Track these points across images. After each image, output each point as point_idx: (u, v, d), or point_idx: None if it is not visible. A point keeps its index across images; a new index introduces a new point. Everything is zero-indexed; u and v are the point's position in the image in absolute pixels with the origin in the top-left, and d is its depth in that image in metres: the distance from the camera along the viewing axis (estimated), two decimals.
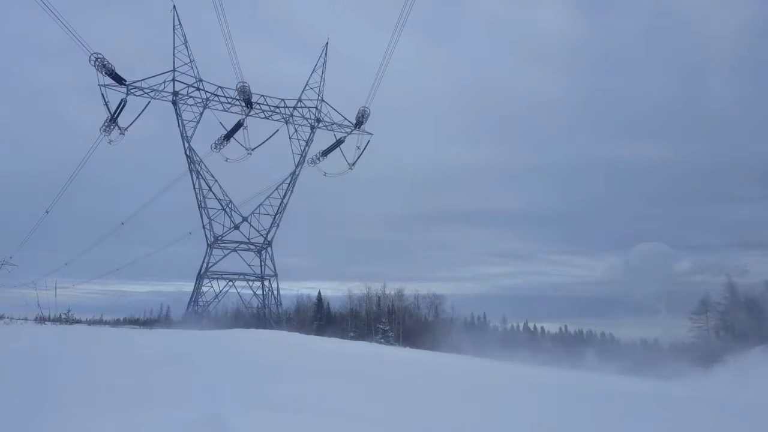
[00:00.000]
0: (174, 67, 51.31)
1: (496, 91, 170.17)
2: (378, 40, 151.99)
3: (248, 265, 53.99)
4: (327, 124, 55.48)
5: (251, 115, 53.22)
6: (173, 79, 51.31)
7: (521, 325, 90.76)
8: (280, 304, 55.81)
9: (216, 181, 53.09)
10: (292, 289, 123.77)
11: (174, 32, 51.11)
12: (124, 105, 48.30)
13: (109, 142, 49.54)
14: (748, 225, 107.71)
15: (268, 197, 54.57)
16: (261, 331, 33.56)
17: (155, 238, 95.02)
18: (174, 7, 50.54)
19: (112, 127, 48.84)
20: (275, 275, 54.58)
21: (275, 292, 54.63)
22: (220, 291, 53.45)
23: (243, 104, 52.18)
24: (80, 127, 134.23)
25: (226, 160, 53.68)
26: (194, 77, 51.91)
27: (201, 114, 52.50)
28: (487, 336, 66.89)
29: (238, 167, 54.38)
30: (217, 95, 52.23)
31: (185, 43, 51.37)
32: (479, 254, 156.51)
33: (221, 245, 53.44)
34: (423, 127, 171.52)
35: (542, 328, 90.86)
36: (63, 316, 41.00)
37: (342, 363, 16.41)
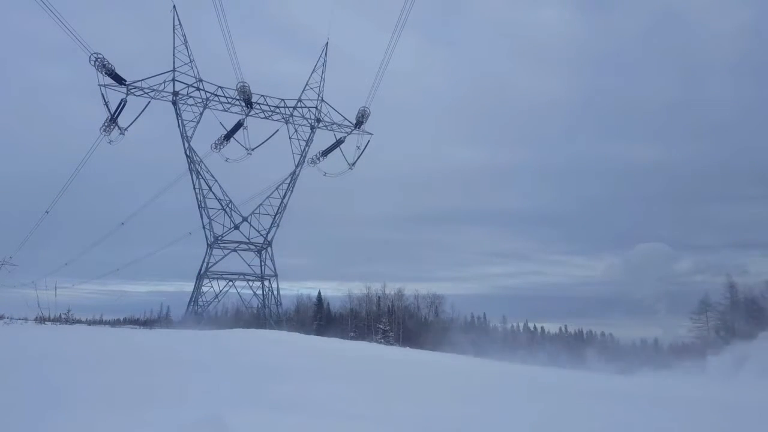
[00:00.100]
0: (174, 67, 51.37)
1: (496, 91, 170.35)
2: (378, 40, 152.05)
3: (248, 265, 54.12)
4: (327, 124, 55.53)
5: (251, 115, 53.27)
6: (173, 79, 51.35)
7: (521, 325, 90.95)
8: (280, 304, 55.90)
9: (216, 181, 53.19)
10: (292, 289, 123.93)
11: (174, 32, 51.18)
12: (124, 105, 48.36)
13: (109, 142, 49.64)
14: (748, 225, 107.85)
15: (268, 197, 54.67)
16: (261, 331, 33.58)
17: (155, 238, 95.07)
18: (174, 7, 50.62)
19: (112, 127, 48.88)
20: (275, 275, 54.65)
21: (275, 292, 54.73)
22: (220, 291, 53.58)
23: (243, 104, 52.19)
24: (80, 127, 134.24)
25: (226, 160, 53.78)
26: (194, 77, 51.97)
27: (201, 114, 52.60)
28: (487, 336, 66.92)
29: (238, 167, 54.48)
30: (217, 95, 52.26)
31: (185, 43, 51.44)
32: (479, 254, 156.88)
33: (221, 245, 53.47)
34: (423, 126, 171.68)
35: (542, 328, 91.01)
36: (63, 316, 41.09)
37: (342, 363, 16.41)
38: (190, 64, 51.77)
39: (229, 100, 52.26)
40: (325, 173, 55.89)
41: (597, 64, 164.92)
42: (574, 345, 70.34)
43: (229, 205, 53.67)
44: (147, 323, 74.90)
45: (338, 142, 55.01)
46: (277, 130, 54.21)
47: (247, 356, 16.01)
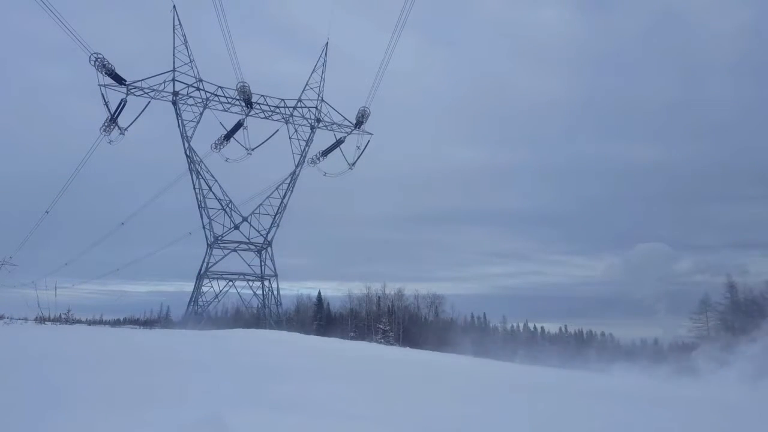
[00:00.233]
0: (174, 67, 51.38)
1: (496, 91, 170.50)
2: (378, 40, 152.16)
3: (248, 265, 54.13)
4: (327, 124, 55.54)
5: (251, 115, 53.28)
6: (173, 79, 51.36)
7: (521, 325, 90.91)
8: (280, 304, 55.91)
9: (216, 181, 53.20)
10: (292, 289, 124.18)
11: (174, 32, 51.20)
12: (124, 105, 48.38)
13: (109, 142, 49.67)
14: (748, 225, 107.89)
15: (268, 197, 54.68)
16: (261, 331, 33.60)
17: (155, 238, 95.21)
18: (174, 7, 50.64)
19: (112, 127, 48.90)
20: (275, 275, 54.66)
21: (275, 292, 54.74)
22: (220, 291, 53.58)
23: (243, 104, 52.20)
24: (80, 127, 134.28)
25: (226, 160, 53.80)
26: (194, 77, 51.99)
27: (201, 114, 52.61)
28: (487, 336, 66.94)
29: (238, 167, 54.52)
30: (217, 95, 52.27)
31: (185, 43, 51.46)
32: (479, 254, 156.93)
33: (221, 245, 53.47)
34: (423, 126, 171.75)
35: (542, 328, 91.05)
36: (63, 316, 41.08)
37: (342, 363, 16.41)
38: (190, 64, 51.84)
39: (229, 100, 52.30)
40: (325, 173, 56.00)
41: (597, 64, 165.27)
42: (574, 345, 70.37)
43: (229, 205, 53.70)
44: (147, 323, 74.95)
45: (338, 142, 55.03)
46: (277, 130, 54.33)
47: (247, 356, 15.99)
